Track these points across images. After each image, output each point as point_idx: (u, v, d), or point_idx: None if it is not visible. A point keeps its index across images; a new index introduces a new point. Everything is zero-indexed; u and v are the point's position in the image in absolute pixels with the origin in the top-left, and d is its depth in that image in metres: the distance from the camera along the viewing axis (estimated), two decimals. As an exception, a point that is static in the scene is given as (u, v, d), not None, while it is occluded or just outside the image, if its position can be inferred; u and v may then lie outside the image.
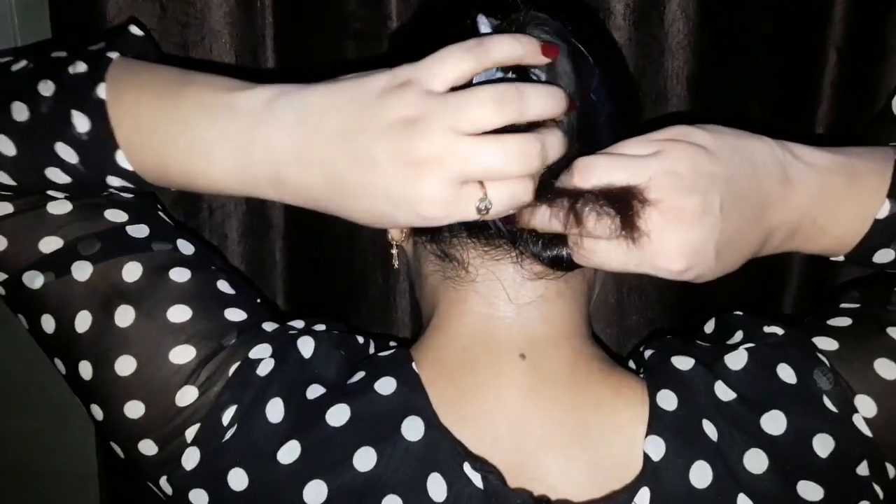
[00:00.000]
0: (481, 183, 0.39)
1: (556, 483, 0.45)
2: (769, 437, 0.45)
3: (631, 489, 0.44)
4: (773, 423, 0.45)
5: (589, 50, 0.46)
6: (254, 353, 0.48)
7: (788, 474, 0.45)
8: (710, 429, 0.45)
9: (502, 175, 0.39)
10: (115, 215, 0.49)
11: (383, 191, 0.39)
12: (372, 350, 0.52)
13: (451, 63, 0.39)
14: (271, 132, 0.41)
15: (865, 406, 0.46)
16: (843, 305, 0.51)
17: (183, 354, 0.47)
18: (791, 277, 0.72)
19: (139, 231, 0.49)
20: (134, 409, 0.47)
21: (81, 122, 0.44)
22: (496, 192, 0.39)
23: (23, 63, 0.47)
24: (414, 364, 0.48)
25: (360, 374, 0.48)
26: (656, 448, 0.45)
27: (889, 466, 0.46)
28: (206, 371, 0.47)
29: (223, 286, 0.51)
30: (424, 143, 0.38)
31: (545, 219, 0.43)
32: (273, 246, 0.73)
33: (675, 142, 0.42)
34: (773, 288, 0.72)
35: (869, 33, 0.65)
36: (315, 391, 0.48)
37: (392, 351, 0.50)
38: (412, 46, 0.44)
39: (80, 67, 0.45)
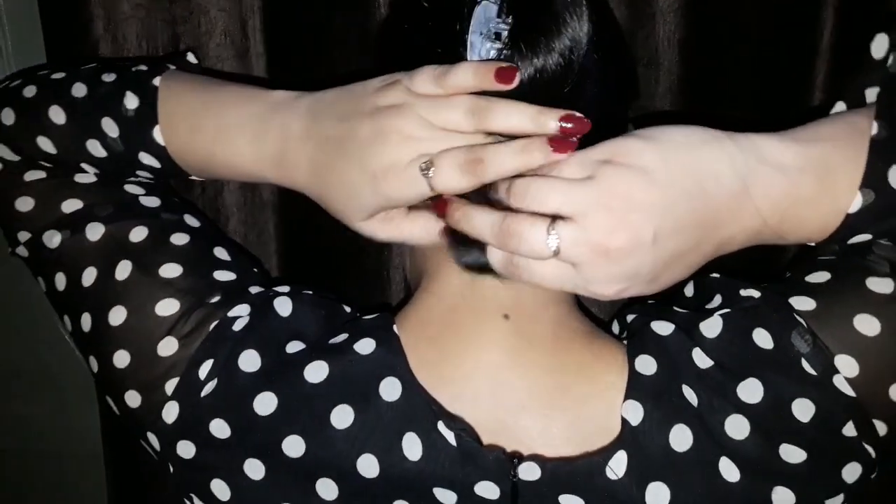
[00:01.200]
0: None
1: (535, 444, 0.46)
2: (747, 405, 0.45)
3: (607, 452, 0.45)
4: (750, 391, 0.45)
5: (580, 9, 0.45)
6: (233, 312, 0.49)
7: (771, 438, 0.44)
8: (690, 394, 0.45)
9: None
10: (132, 189, 0.54)
11: (357, 163, 0.43)
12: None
13: (424, 80, 0.43)
14: (286, 118, 0.47)
15: (846, 366, 0.45)
16: (821, 258, 0.49)
17: (168, 307, 0.49)
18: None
19: (151, 202, 0.53)
20: (121, 359, 0.49)
21: (131, 101, 0.51)
22: (441, 158, 0.42)
23: (92, 65, 0.54)
24: (395, 326, 0.49)
25: (343, 336, 0.49)
26: (634, 412, 0.45)
27: (878, 423, 0.45)
28: (187, 325, 0.49)
29: (219, 252, 0.53)
30: (400, 121, 0.42)
31: (476, 226, 0.42)
32: (267, 221, 0.74)
33: (613, 165, 0.40)
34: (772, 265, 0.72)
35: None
36: (295, 346, 0.49)
37: (376, 315, 0.51)
38: (416, 2, 0.47)
39: (142, 67, 0.53)
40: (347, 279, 0.76)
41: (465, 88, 0.42)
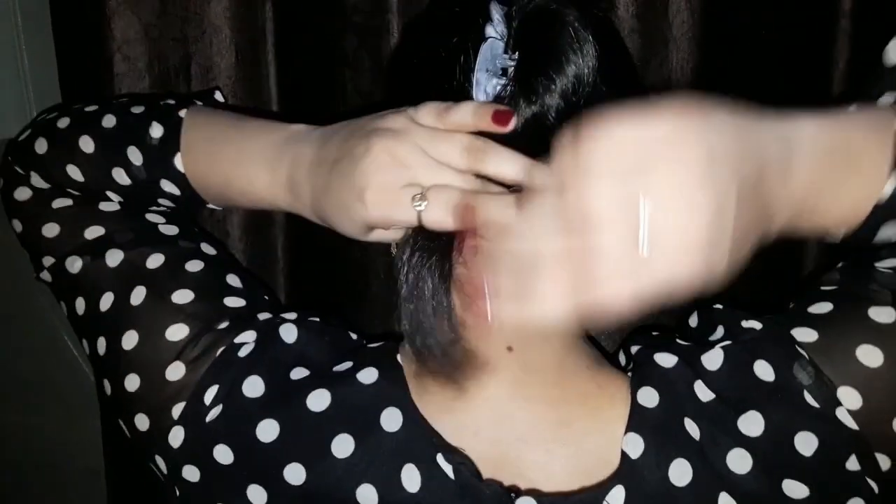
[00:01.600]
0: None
1: (536, 477, 0.45)
2: (748, 439, 0.44)
3: (604, 486, 0.44)
4: (751, 424, 0.44)
5: (591, 36, 0.45)
6: (239, 339, 0.50)
7: (773, 474, 0.44)
8: (692, 427, 0.45)
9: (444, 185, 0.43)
10: (153, 217, 0.55)
11: (348, 179, 0.43)
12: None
13: (428, 113, 0.44)
14: (301, 146, 0.48)
15: (849, 398, 0.44)
16: (823, 288, 0.49)
17: (178, 332, 0.50)
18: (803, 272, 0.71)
19: (170, 230, 0.55)
20: (132, 382, 0.50)
21: (157, 130, 0.53)
22: (434, 194, 0.42)
23: (124, 99, 0.56)
24: (399, 356, 0.49)
25: (347, 364, 0.49)
26: (634, 446, 0.44)
27: (881, 457, 0.44)
28: (195, 350, 0.49)
29: (232, 279, 0.54)
30: (395, 144, 0.43)
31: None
32: (275, 242, 0.73)
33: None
34: (784, 279, 0.71)
35: (880, 11, 0.63)
36: (299, 373, 0.49)
37: (381, 343, 0.51)
38: (425, 36, 0.48)
39: (170, 101, 0.55)
40: (353, 300, 0.75)
41: (464, 127, 0.43)
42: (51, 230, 0.54)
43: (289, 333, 0.50)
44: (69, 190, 0.55)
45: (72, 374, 0.91)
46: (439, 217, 0.42)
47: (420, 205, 0.42)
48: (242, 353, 0.49)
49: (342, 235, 0.72)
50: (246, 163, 0.50)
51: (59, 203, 0.54)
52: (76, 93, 0.70)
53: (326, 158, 0.46)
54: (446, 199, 0.42)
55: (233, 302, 0.52)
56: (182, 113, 0.53)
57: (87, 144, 0.53)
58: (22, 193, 0.55)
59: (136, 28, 0.67)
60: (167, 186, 0.54)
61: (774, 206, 0.40)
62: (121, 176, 0.53)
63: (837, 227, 0.44)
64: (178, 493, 0.49)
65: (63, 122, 0.55)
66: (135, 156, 0.53)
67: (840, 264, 0.51)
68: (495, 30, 0.44)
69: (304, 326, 0.51)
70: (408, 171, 0.42)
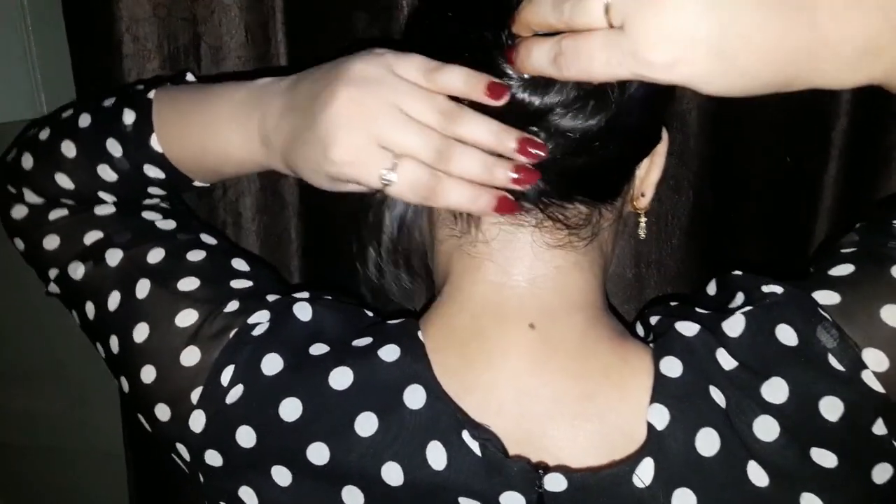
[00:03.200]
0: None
1: (562, 453, 0.45)
2: (773, 406, 0.43)
3: (633, 460, 0.43)
4: (774, 390, 0.43)
5: None
6: (252, 319, 0.49)
7: (800, 441, 0.43)
8: (717, 395, 0.44)
9: (415, 155, 0.42)
10: (149, 215, 0.55)
11: (322, 130, 0.42)
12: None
13: (414, 68, 0.43)
14: (269, 98, 0.47)
15: (875, 360, 0.43)
16: (843, 250, 0.48)
17: (187, 318, 0.49)
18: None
19: (167, 225, 0.55)
20: (147, 374, 0.49)
21: (129, 116, 0.52)
22: (403, 170, 0.42)
23: (98, 99, 0.56)
24: (420, 333, 0.48)
25: (367, 340, 0.48)
26: (660, 416, 0.43)
27: None
28: (207, 333, 0.49)
29: (237, 263, 0.53)
30: (369, 95, 0.42)
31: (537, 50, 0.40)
32: (288, 223, 0.73)
33: None
34: (798, 264, 0.71)
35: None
36: (318, 349, 0.48)
37: (400, 320, 0.50)
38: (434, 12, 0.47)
39: (139, 87, 0.54)
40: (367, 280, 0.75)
41: (452, 91, 0.42)
42: (51, 242, 0.53)
43: (303, 311, 0.50)
44: (63, 200, 0.54)
45: (87, 360, 0.92)
46: (405, 195, 0.42)
47: (388, 178, 0.41)
48: (257, 332, 0.48)
49: (354, 216, 0.73)
50: (217, 126, 0.49)
51: (55, 215, 0.54)
52: (86, 74, 0.70)
53: (294, 106, 0.45)
54: (414, 179, 0.42)
55: (239, 284, 0.52)
56: (151, 94, 0.52)
57: (68, 149, 0.53)
58: (18, 212, 0.55)
59: (144, 8, 0.67)
60: (151, 171, 0.53)
61: (817, 12, 0.36)
62: (106, 172, 0.53)
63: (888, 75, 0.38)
64: (201, 481, 0.49)
65: (44, 134, 0.55)
66: (114, 147, 0.52)
67: (857, 225, 0.50)
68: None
69: (318, 304, 0.50)
70: (375, 127, 0.41)
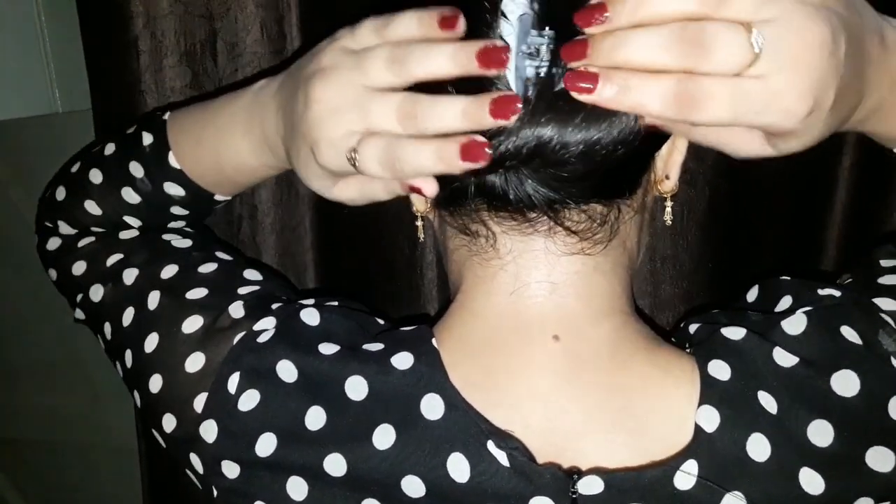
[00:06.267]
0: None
1: (597, 462, 0.43)
2: (838, 400, 0.42)
3: (676, 460, 0.42)
4: (845, 383, 0.42)
5: None
6: (258, 326, 0.48)
7: (857, 443, 0.42)
8: (767, 400, 0.43)
9: (376, 128, 0.39)
10: (167, 236, 0.56)
11: (302, 131, 0.42)
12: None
13: (367, 32, 0.41)
14: (265, 99, 0.48)
15: None
16: (883, 263, 0.48)
17: (193, 324, 0.49)
18: (828, 253, 0.70)
19: (183, 244, 0.56)
20: (155, 383, 0.49)
21: (147, 138, 0.54)
22: (366, 145, 0.39)
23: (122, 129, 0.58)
24: (434, 341, 0.46)
25: (378, 346, 0.47)
26: (709, 419, 0.42)
27: None
28: (211, 339, 0.48)
29: (249, 273, 0.53)
30: (328, 87, 0.40)
31: (648, 90, 0.35)
32: (303, 216, 0.73)
33: None
34: (811, 261, 0.71)
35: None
36: (330, 353, 0.46)
37: (413, 327, 0.48)
38: None
39: (158, 113, 0.56)
40: (381, 275, 0.75)
41: (406, 37, 0.39)
42: (78, 269, 0.55)
43: (311, 317, 0.49)
44: (93, 229, 0.56)
45: (105, 357, 0.92)
46: (373, 171, 0.39)
47: (354, 156, 0.39)
48: (262, 339, 0.47)
49: (368, 211, 0.73)
50: (226, 136, 0.50)
51: (83, 242, 0.56)
52: (101, 71, 0.70)
53: (283, 105, 0.45)
54: (374, 153, 0.39)
55: (246, 290, 0.51)
56: (166, 115, 0.54)
57: (95, 176, 0.55)
58: (53, 244, 0.57)
59: (161, 5, 0.67)
60: (171, 189, 0.54)
61: (869, 77, 0.39)
62: (130, 195, 0.54)
63: None
64: (215, 494, 0.47)
65: (75, 167, 0.57)
66: (136, 169, 0.54)
67: (888, 244, 0.50)
68: (514, 4, 0.39)
69: (326, 310, 0.49)
70: (344, 115, 0.40)
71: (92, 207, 0.55)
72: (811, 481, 0.42)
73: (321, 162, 0.41)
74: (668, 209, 0.48)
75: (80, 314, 0.56)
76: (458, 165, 0.38)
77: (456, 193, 0.44)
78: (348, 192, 0.44)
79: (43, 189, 0.60)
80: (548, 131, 0.38)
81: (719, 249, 0.72)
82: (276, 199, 0.72)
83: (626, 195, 0.44)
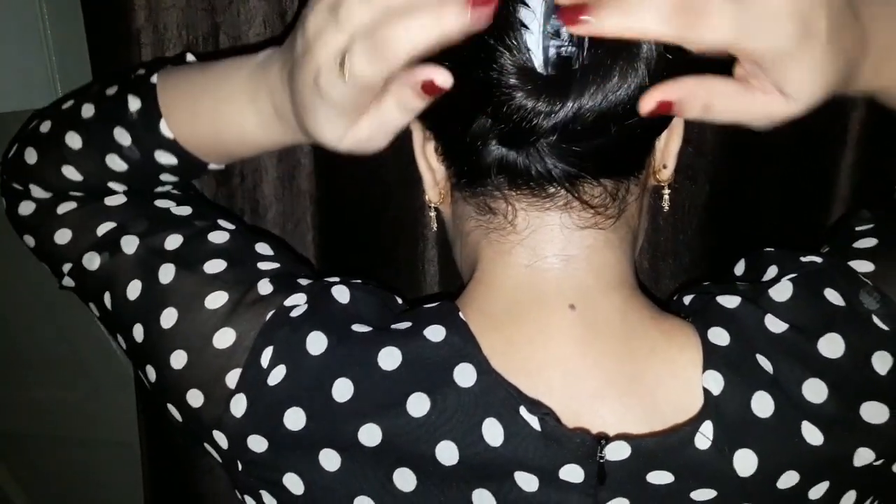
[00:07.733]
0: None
1: (613, 431, 0.45)
2: (827, 362, 0.45)
3: (694, 423, 0.44)
4: (831, 345, 0.45)
5: None
6: (289, 301, 0.49)
7: (850, 398, 0.44)
8: (764, 363, 0.45)
9: (361, 25, 0.36)
10: (162, 202, 0.54)
11: (302, 77, 0.40)
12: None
13: None
14: (270, 68, 0.46)
15: None
16: (858, 228, 0.51)
17: (217, 299, 0.49)
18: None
19: (183, 211, 0.54)
20: (178, 359, 0.48)
21: (134, 103, 0.50)
22: (352, 49, 0.37)
23: (97, 85, 0.55)
24: (461, 314, 0.47)
25: (407, 323, 0.48)
26: (715, 382, 0.44)
27: None
28: (241, 315, 0.48)
29: (261, 247, 0.53)
30: (311, 26, 0.38)
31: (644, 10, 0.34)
32: (305, 211, 0.74)
33: None
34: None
35: None
36: (361, 328, 0.48)
37: (437, 304, 0.49)
38: None
39: (141, 71, 0.53)
40: (383, 270, 0.76)
41: None
42: (62, 237, 0.53)
43: (342, 294, 0.49)
44: (72, 193, 0.54)
45: (102, 349, 0.92)
46: (366, 70, 0.37)
47: (343, 71, 0.37)
48: (295, 314, 0.48)
49: (371, 207, 0.73)
50: (227, 108, 0.48)
51: (63, 209, 0.53)
52: (103, 63, 0.70)
53: (288, 70, 0.43)
54: (362, 48, 0.36)
55: (267, 266, 0.51)
56: (154, 78, 0.51)
57: (73, 140, 0.52)
58: (26, 208, 0.54)
59: (164, -2, 0.67)
60: (162, 158, 0.51)
61: (874, 14, 0.40)
62: (115, 162, 0.52)
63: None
64: (239, 468, 0.48)
65: (45, 126, 0.54)
66: (122, 136, 0.51)
67: (861, 210, 0.53)
68: None
69: (354, 287, 0.50)
70: (325, 34, 0.38)
71: (70, 173, 0.52)
72: (812, 434, 0.44)
73: (324, 95, 0.38)
74: (666, 197, 0.51)
75: (68, 282, 0.54)
76: (457, 18, 0.34)
77: (478, 172, 0.45)
78: (363, 131, 0.41)
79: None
80: (571, 106, 0.39)
81: (719, 245, 0.72)
82: (277, 194, 0.72)
83: (634, 173, 0.47)
